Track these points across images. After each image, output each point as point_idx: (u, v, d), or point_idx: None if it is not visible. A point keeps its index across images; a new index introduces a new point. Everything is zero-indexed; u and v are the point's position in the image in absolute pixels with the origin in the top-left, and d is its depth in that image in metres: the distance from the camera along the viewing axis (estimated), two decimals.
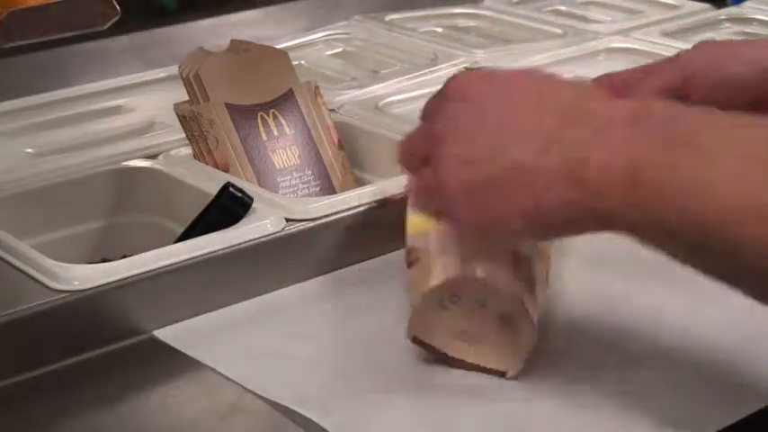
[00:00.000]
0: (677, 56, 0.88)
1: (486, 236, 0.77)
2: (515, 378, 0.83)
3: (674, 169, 0.67)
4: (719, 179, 0.65)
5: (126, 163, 1.12)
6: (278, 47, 1.22)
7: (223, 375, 0.85)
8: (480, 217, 0.74)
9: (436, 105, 0.78)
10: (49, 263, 0.91)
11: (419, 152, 0.77)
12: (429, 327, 0.84)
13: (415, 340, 0.85)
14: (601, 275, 0.96)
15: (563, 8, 1.60)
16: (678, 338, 0.87)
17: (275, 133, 1.12)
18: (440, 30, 1.53)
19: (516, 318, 0.82)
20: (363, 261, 1.01)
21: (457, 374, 0.84)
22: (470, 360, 0.84)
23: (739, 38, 1.47)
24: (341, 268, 1.00)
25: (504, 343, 0.83)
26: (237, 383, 0.84)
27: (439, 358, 0.85)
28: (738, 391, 0.81)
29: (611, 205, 0.68)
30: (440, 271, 0.85)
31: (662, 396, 0.81)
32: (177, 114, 1.11)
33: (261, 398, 0.83)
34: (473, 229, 0.76)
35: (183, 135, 1.11)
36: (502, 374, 0.84)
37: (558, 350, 0.87)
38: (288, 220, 0.99)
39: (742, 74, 0.85)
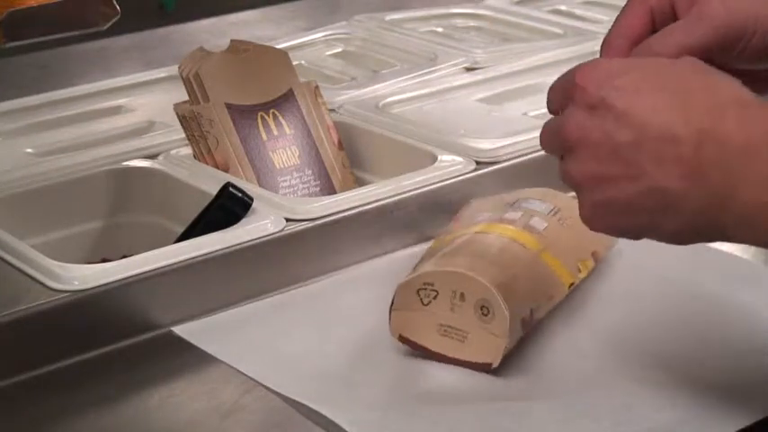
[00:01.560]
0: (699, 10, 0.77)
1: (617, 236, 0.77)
2: (494, 369, 0.84)
3: None
4: None
5: (126, 163, 1.12)
6: (278, 47, 1.22)
7: (234, 368, 0.85)
8: (618, 231, 0.74)
9: (565, 100, 0.74)
10: (49, 263, 0.91)
11: (555, 148, 0.75)
12: (412, 324, 0.85)
13: (401, 338, 0.85)
14: (607, 279, 0.96)
15: (563, 8, 1.60)
16: (684, 350, 0.87)
17: (275, 133, 1.12)
18: (440, 30, 1.53)
19: (493, 309, 0.82)
20: (364, 261, 1.01)
21: (460, 374, 0.84)
22: (454, 355, 0.84)
23: None
24: (341, 268, 1.00)
25: (486, 334, 0.83)
26: (247, 375, 0.84)
27: (426, 355, 0.85)
28: (738, 405, 0.81)
29: (762, 231, 0.69)
30: (419, 268, 0.86)
31: (663, 411, 0.81)
32: (177, 114, 1.11)
33: (261, 397, 0.83)
34: (608, 233, 0.76)
35: (183, 135, 1.11)
36: (487, 366, 0.84)
37: (561, 355, 0.87)
38: (288, 220, 0.99)
39: None
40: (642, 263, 0.97)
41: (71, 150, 1.15)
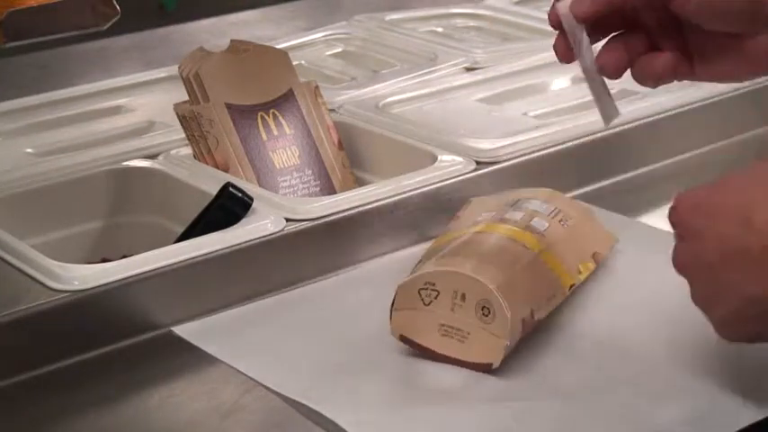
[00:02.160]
0: None
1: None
2: (494, 370, 0.84)
3: None
4: None
5: (126, 163, 1.12)
6: (278, 47, 1.22)
7: (234, 368, 0.85)
8: (748, 339, 0.79)
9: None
10: (49, 263, 0.91)
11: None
12: (413, 324, 0.85)
13: (402, 338, 0.85)
14: (607, 280, 0.96)
15: None
16: (684, 350, 0.87)
17: (275, 133, 1.12)
18: (440, 30, 1.53)
19: (493, 309, 0.82)
20: (364, 261, 1.01)
21: (460, 374, 0.84)
22: (455, 355, 0.84)
23: None
24: (341, 268, 1.00)
25: (486, 334, 0.83)
26: (247, 375, 0.84)
27: (426, 355, 0.85)
28: (738, 405, 0.81)
29: None
30: (419, 267, 0.86)
31: (663, 411, 0.80)
32: (177, 114, 1.11)
33: (261, 397, 0.83)
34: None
35: (183, 135, 1.11)
36: (488, 367, 0.84)
37: (561, 355, 0.87)
38: (288, 220, 0.99)
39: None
40: (642, 263, 0.97)
41: (71, 150, 1.15)
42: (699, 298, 0.79)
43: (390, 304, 0.86)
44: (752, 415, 0.79)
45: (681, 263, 0.79)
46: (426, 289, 0.84)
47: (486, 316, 0.83)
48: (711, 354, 0.86)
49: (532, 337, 0.88)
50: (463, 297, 0.83)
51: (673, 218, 0.79)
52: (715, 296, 0.77)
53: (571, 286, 0.91)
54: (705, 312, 0.79)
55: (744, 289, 0.75)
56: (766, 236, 0.74)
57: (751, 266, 0.74)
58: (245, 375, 0.85)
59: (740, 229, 0.75)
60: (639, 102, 1.20)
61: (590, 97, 0.87)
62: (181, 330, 0.91)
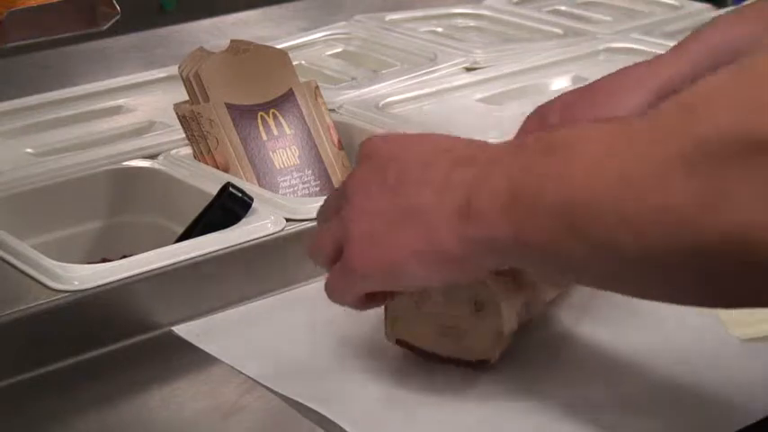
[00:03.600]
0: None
1: (388, 283, 0.77)
2: (492, 365, 0.83)
3: (542, 178, 0.68)
4: (576, 176, 0.67)
5: (126, 163, 1.12)
6: (278, 47, 1.22)
7: (234, 368, 0.85)
8: (381, 263, 0.75)
9: (331, 198, 0.81)
10: (49, 263, 0.91)
11: (331, 210, 0.80)
12: (408, 327, 0.85)
13: (399, 342, 0.85)
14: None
15: (563, 8, 1.60)
16: (683, 350, 0.87)
17: (275, 133, 1.12)
18: (440, 30, 1.53)
19: (486, 302, 0.82)
20: None
21: (460, 373, 0.84)
22: (452, 355, 0.84)
23: None
24: None
25: (481, 331, 0.83)
26: (246, 375, 0.84)
27: (423, 357, 0.85)
28: (737, 406, 0.81)
29: (498, 233, 0.70)
30: None
31: (663, 411, 0.80)
32: (177, 114, 1.11)
33: (262, 397, 0.83)
34: (375, 276, 0.76)
35: (183, 135, 1.11)
36: (485, 364, 0.83)
37: (561, 355, 0.87)
38: (288, 220, 0.99)
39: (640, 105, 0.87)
40: None
41: (71, 150, 1.15)
42: (354, 209, 0.76)
43: (384, 310, 0.85)
44: (751, 415, 0.79)
45: (349, 176, 0.78)
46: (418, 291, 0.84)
47: (480, 311, 0.82)
48: (710, 353, 0.86)
49: (531, 336, 0.88)
50: (455, 294, 0.83)
51: (361, 147, 0.79)
52: (381, 207, 0.74)
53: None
54: (359, 223, 0.76)
55: (415, 199, 0.73)
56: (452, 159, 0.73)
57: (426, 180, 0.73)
58: (245, 375, 0.85)
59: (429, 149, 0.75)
60: None
61: None
62: (181, 330, 0.91)
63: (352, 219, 0.76)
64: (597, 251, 0.67)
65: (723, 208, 0.62)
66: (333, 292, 0.80)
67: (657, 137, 0.65)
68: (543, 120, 0.91)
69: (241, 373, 0.86)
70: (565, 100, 0.90)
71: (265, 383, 0.84)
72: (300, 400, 0.82)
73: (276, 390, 0.83)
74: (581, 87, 0.92)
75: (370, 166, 0.77)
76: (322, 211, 0.83)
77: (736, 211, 0.61)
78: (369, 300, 0.79)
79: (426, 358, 0.85)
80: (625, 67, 0.91)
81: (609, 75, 0.91)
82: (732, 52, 0.86)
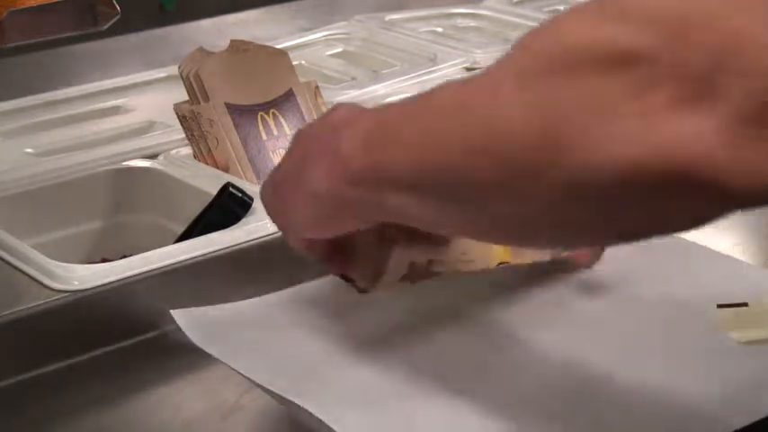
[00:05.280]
0: None
1: (287, 232, 0.82)
2: (366, 292, 0.85)
3: (400, 118, 0.71)
4: (430, 113, 0.68)
5: (126, 163, 1.12)
6: (278, 47, 1.22)
7: (233, 368, 0.85)
8: (281, 214, 0.80)
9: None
10: (49, 263, 0.91)
11: None
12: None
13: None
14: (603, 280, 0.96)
15: (563, 8, 1.59)
16: (681, 350, 0.87)
17: (275, 133, 1.12)
18: (440, 30, 1.53)
19: (386, 239, 0.82)
20: None
21: (460, 376, 0.84)
22: (348, 274, 0.85)
23: None
24: None
25: (374, 261, 0.83)
26: (245, 377, 0.84)
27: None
28: (736, 406, 0.81)
29: (358, 165, 0.72)
30: None
31: (661, 410, 0.80)
32: (177, 114, 1.11)
33: (261, 397, 0.83)
34: (282, 229, 0.82)
35: (183, 135, 1.11)
36: (363, 291, 0.85)
37: (559, 355, 0.87)
38: None
39: None
40: (638, 265, 0.97)
41: (71, 150, 1.15)
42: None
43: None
44: (749, 416, 0.79)
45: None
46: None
47: (382, 247, 0.83)
48: (709, 353, 0.86)
49: (524, 335, 0.87)
50: (382, 235, 0.84)
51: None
52: (284, 171, 0.79)
53: (501, 263, 0.90)
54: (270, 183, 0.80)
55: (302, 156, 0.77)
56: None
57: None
58: (244, 376, 0.85)
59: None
60: None
61: None
62: (180, 330, 0.91)
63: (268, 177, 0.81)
64: (450, 175, 0.66)
65: (548, 121, 0.60)
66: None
67: (498, 64, 0.65)
68: None
69: (240, 373, 0.86)
70: None
71: (264, 384, 0.84)
72: (298, 402, 0.82)
73: (275, 390, 0.83)
74: None
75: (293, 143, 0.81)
76: None
77: (560, 124, 0.60)
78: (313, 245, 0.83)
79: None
80: None
81: None
82: None
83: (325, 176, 0.74)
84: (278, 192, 0.80)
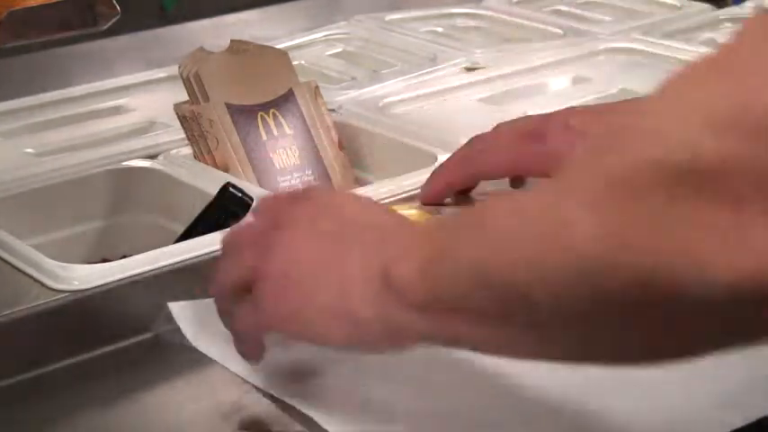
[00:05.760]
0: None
1: (291, 328, 0.77)
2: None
3: (456, 243, 0.67)
4: (488, 237, 0.65)
5: (126, 163, 1.12)
6: (278, 47, 1.22)
7: (230, 371, 0.85)
8: (289, 308, 0.75)
9: (250, 227, 0.80)
10: (49, 263, 0.91)
11: (247, 239, 0.79)
12: None
13: None
14: None
15: (563, 8, 1.60)
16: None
17: (275, 133, 1.12)
18: (440, 30, 1.53)
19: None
20: None
21: (460, 378, 0.84)
22: None
23: None
24: None
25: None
26: (243, 379, 0.84)
27: None
28: (734, 406, 0.80)
29: (411, 290, 0.69)
30: None
31: (659, 411, 0.80)
32: (177, 114, 1.11)
33: (261, 398, 0.83)
34: (283, 320, 0.76)
35: (183, 135, 1.11)
36: None
37: None
38: None
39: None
40: None
41: (71, 150, 1.15)
42: (267, 295, 0.75)
43: None
44: (746, 416, 0.79)
45: (254, 243, 0.77)
46: None
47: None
48: None
49: None
50: None
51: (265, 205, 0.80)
52: (295, 299, 0.74)
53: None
54: (275, 311, 0.76)
55: (326, 298, 0.73)
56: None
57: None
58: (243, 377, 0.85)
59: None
60: None
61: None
62: (180, 330, 0.91)
63: (275, 254, 0.75)
64: (510, 304, 0.64)
65: (626, 244, 0.57)
66: (239, 328, 0.79)
67: (562, 186, 0.62)
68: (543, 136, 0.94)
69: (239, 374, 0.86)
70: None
71: (262, 386, 0.84)
72: (295, 404, 0.81)
73: (274, 392, 0.83)
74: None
75: (306, 205, 0.77)
76: (233, 239, 0.81)
77: (639, 247, 0.57)
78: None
79: None
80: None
81: None
82: None
83: (371, 303, 0.71)
84: (286, 297, 0.75)
